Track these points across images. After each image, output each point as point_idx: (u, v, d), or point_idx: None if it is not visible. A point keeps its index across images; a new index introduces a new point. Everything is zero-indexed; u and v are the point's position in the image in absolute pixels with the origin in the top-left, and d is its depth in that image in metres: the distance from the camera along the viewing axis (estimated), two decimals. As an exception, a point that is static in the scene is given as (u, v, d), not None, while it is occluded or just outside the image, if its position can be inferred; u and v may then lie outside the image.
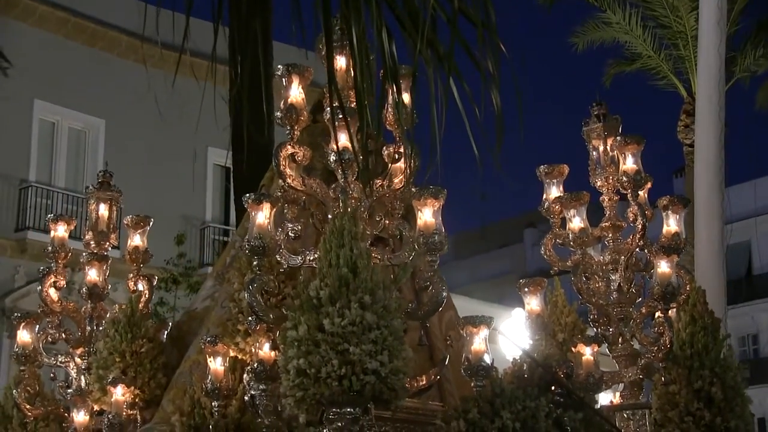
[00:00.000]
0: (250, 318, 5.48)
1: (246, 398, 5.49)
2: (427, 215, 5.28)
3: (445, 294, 5.33)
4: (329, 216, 5.53)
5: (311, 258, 5.49)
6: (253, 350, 5.52)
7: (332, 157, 5.44)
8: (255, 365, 5.34)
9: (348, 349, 4.67)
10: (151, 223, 7.34)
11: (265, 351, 5.35)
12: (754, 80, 20.52)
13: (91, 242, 7.28)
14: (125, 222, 7.33)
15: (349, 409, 4.79)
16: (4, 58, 18.26)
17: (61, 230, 7.28)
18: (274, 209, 5.38)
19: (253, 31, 4.12)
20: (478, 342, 5.35)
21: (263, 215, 5.32)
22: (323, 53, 5.82)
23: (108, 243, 7.31)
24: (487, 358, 5.32)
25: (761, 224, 35.05)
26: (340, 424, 4.80)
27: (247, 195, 5.43)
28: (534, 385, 5.40)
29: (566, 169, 6.78)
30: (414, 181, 5.66)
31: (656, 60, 19.39)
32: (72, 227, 7.40)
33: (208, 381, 5.62)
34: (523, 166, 6.82)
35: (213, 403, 5.61)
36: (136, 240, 7.28)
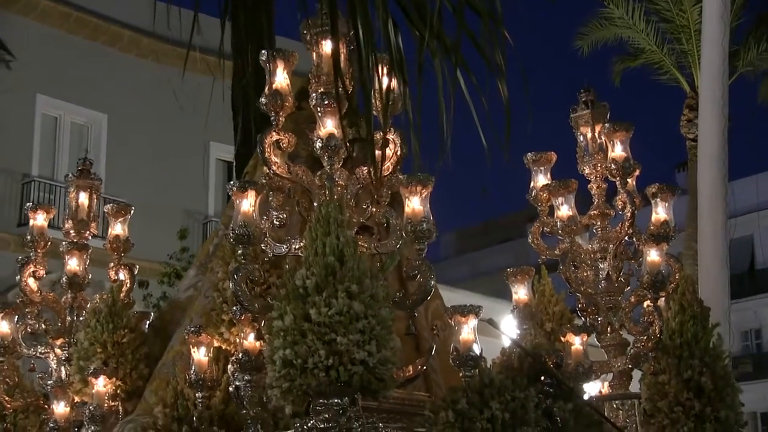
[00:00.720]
0: (234, 308, 5.37)
1: (230, 389, 5.39)
2: (415, 203, 5.19)
3: (433, 283, 5.25)
4: (315, 204, 5.44)
5: (296, 246, 5.39)
6: (238, 340, 5.42)
7: (318, 144, 5.33)
8: (240, 355, 5.24)
9: (335, 339, 4.57)
10: (132, 212, 7.24)
11: (250, 341, 5.25)
12: (759, 74, 20.54)
13: (71, 231, 7.18)
14: (105, 210, 7.22)
15: (336, 400, 4.69)
16: (8, 51, 18.23)
17: (40, 219, 7.17)
18: (260, 197, 5.27)
19: (258, 26, 4.06)
20: (467, 332, 5.26)
21: (248, 203, 5.21)
22: (308, 38, 5.75)
23: (88, 232, 7.21)
24: (476, 348, 5.24)
25: (764, 218, 34.97)
26: (327, 415, 4.70)
27: (231, 182, 5.32)
28: (523, 375, 5.33)
29: (554, 156, 6.71)
30: (401, 169, 5.57)
31: (659, 55, 19.39)
32: (51, 216, 7.28)
33: (191, 372, 5.50)
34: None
35: (197, 394, 5.51)
36: (117, 229, 7.16)
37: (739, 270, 32.06)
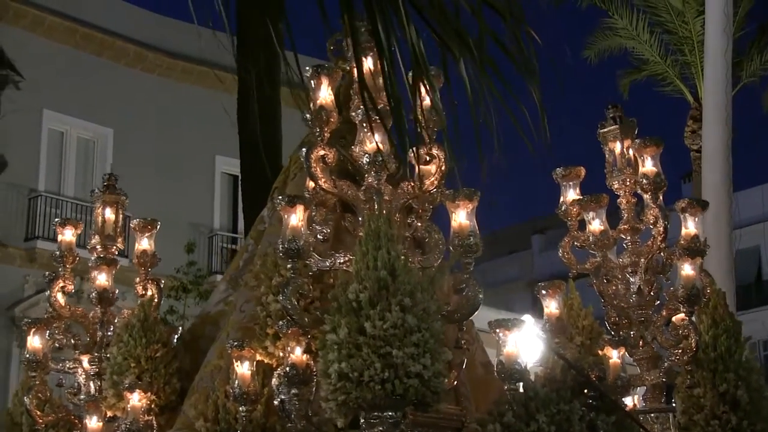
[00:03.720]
0: (281, 322, 5.39)
1: (276, 402, 5.40)
2: (461, 217, 5.23)
3: (481, 296, 5.28)
4: (360, 218, 5.47)
5: (341, 261, 5.42)
6: (282, 354, 5.44)
7: (365, 159, 5.37)
8: (287, 369, 5.25)
9: (390, 353, 4.61)
10: (158, 227, 7.24)
11: (297, 355, 5.27)
12: (763, 84, 20.58)
13: (98, 246, 7.16)
14: (132, 226, 7.22)
15: (389, 413, 4.73)
16: (16, 71, 18.34)
17: (68, 234, 7.16)
18: (307, 211, 5.30)
19: (265, 42, 4.06)
20: (512, 345, 5.31)
21: (296, 217, 5.23)
22: (348, 54, 5.80)
23: (115, 246, 7.19)
24: (521, 361, 5.28)
25: (770, 229, 34.69)
26: (380, 428, 4.74)
27: (280, 197, 5.34)
28: (567, 388, 5.37)
29: (583, 171, 6.74)
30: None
31: (663, 66, 19.46)
32: (79, 231, 7.27)
33: (235, 386, 5.51)
34: (532, 169, 6.78)
35: (240, 408, 5.52)
36: (144, 244, 7.16)
37: (746, 281, 31.93)
